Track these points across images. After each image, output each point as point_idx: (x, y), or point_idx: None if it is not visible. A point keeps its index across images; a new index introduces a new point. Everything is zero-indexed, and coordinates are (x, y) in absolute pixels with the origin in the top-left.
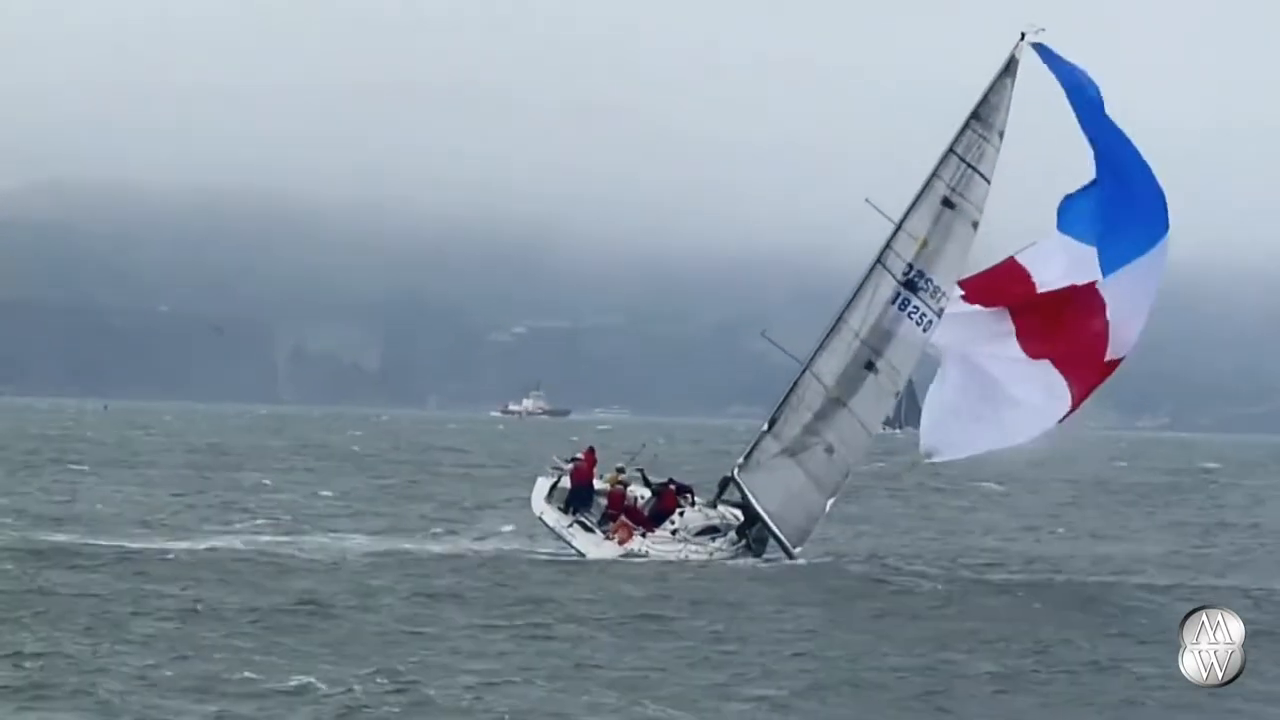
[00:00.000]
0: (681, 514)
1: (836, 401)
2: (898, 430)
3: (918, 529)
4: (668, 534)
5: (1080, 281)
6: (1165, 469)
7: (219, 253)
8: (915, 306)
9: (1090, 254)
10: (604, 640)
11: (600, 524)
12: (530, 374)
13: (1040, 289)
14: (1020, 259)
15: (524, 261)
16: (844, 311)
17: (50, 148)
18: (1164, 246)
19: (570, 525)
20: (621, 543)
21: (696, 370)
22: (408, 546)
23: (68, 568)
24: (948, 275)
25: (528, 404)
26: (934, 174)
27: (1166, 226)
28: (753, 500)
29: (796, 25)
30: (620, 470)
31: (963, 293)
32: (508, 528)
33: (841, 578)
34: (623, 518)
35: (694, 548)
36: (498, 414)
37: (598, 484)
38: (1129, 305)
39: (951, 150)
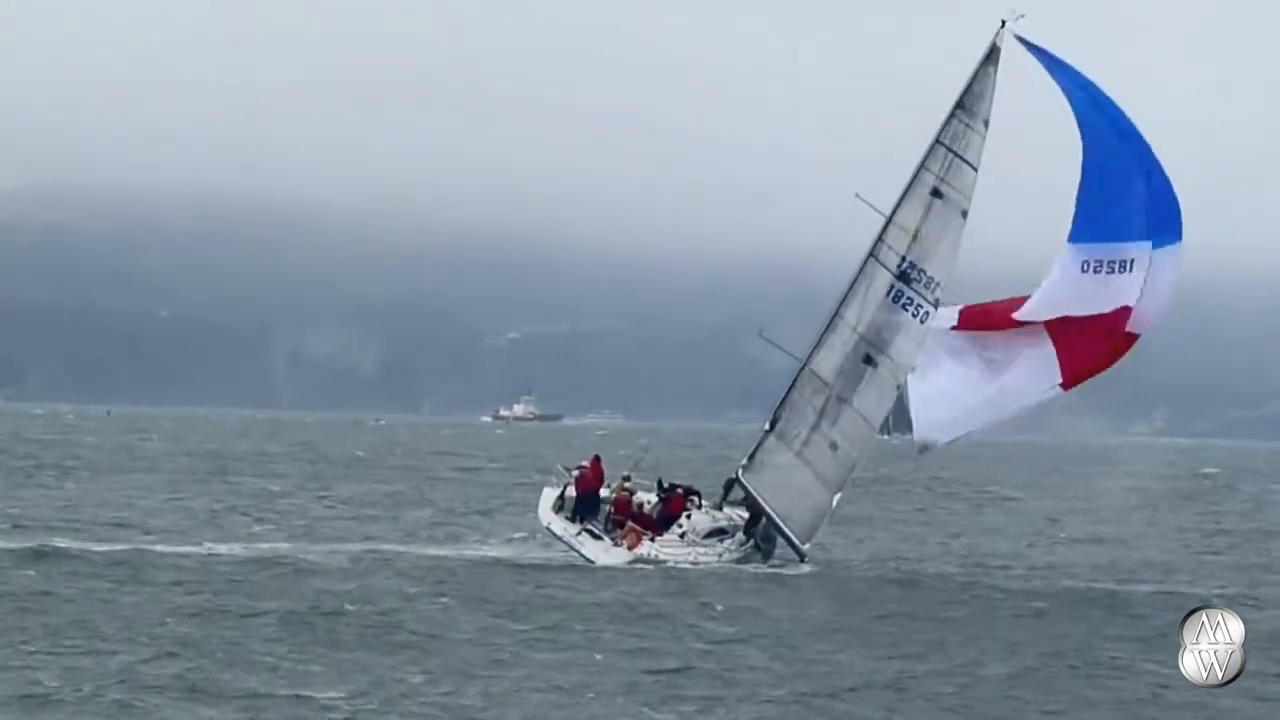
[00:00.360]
0: (689, 517)
1: (838, 398)
2: (887, 435)
3: (933, 533)
4: (676, 537)
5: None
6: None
7: (218, 256)
8: (910, 298)
9: (1122, 248)
10: (618, 643)
11: (607, 530)
12: (527, 378)
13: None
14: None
15: (522, 265)
16: (839, 307)
17: (49, 149)
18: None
19: (579, 533)
20: (631, 548)
21: (693, 374)
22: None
23: (71, 573)
24: (940, 266)
25: (518, 409)
26: (922, 165)
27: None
28: (760, 500)
29: (794, 24)
30: (626, 478)
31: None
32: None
33: (852, 581)
34: (630, 523)
35: (702, 550)
36: (489, 419)
37: (604, 491)
38: (1161, 284)
39: (938, 140)
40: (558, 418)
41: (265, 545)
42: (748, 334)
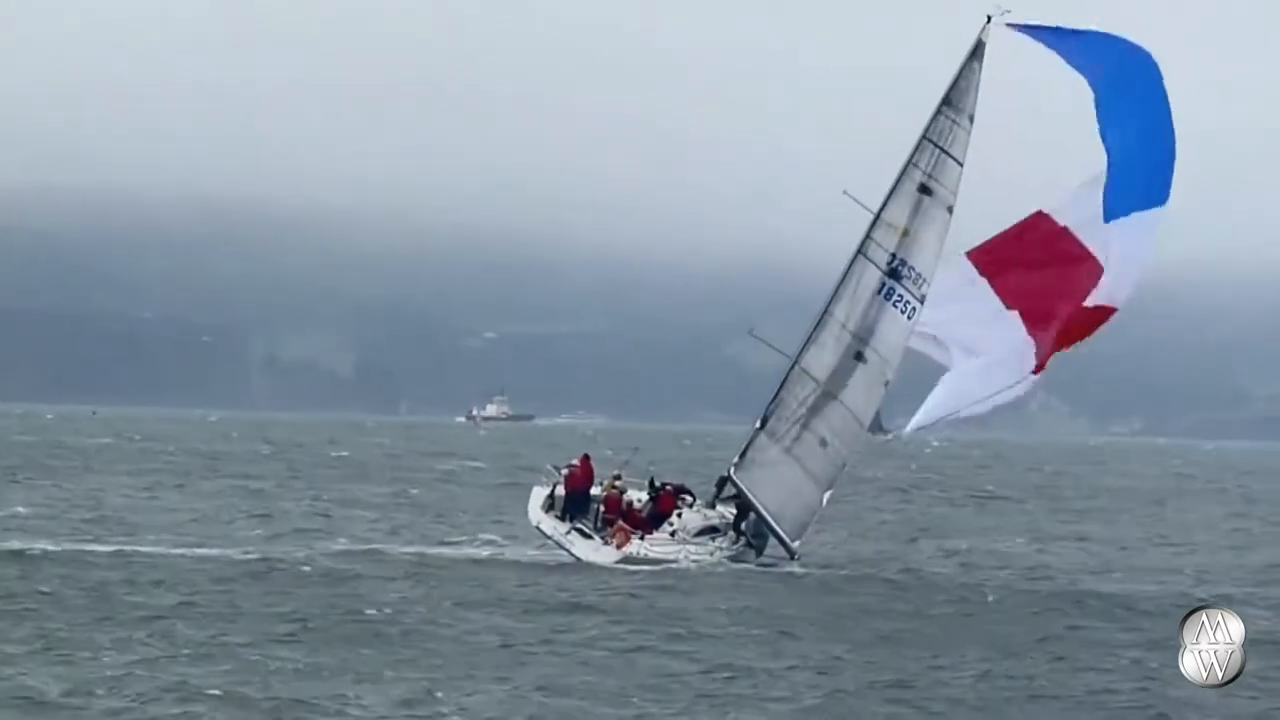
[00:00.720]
0: (679, 515)
1: (827, 394)
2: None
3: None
4: (666, 536)
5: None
6: None
7: (197, 258)
8: (900, 295)
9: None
10: (623, 644)
11: (598, 529)
12: (505, 379)
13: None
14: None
15: (500, 267)
16: (829, 304)
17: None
18: (1159, 214)
19: (568, 532)
20: (619, 546)
21: (672, 375)
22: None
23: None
24: (927, 261)
25: (491, 409)
26: (910, 161)
27: (1167, 195)
28: (751, 497)
29: (793, 24)
30: (617, 477)
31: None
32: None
33: (847, 583)
34: (620, 522)
35: (693, 548)
36: (463, 420)
37: (595, 490)
38: (1127, 256)
39: (925, 136)
40: (530, 418)
41: (255, 546)
42: (727, 335)
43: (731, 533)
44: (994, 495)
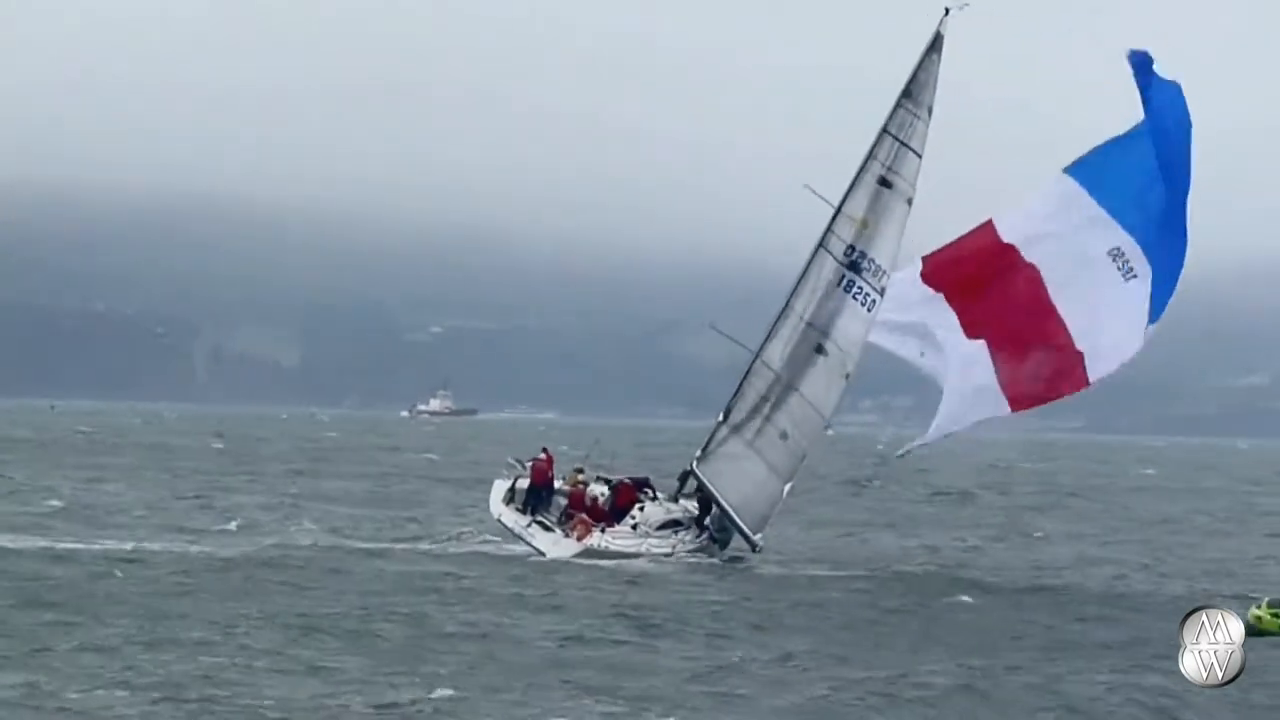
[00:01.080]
0: (642, 509)
1: (788, 387)
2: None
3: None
4: (628, 529)
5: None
6: None
7: (147, 253)
8: (860, 287)
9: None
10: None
11: (561, 523)
12: (451, 373)
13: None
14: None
15: (446, 261)
16: (790, 298)
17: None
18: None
19: (529, 525)
20: (580, 539)
21: (620, 370)
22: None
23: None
24: (887, 254)
25: (434, 404)
26: (870, 154)
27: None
28: (714, 491)
29: (734, 21)
30: (579, 470)
31: (921, 269)
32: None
33: (825, 581)
34: (581, 515)
35: (655, 541)
36: (406, 414)
37: (558, 484)
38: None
39: (885, 130)
40: (473, 412)
41: (240, 541)
42: (676, 332)
43: (695, 527)
44: (949, 491)
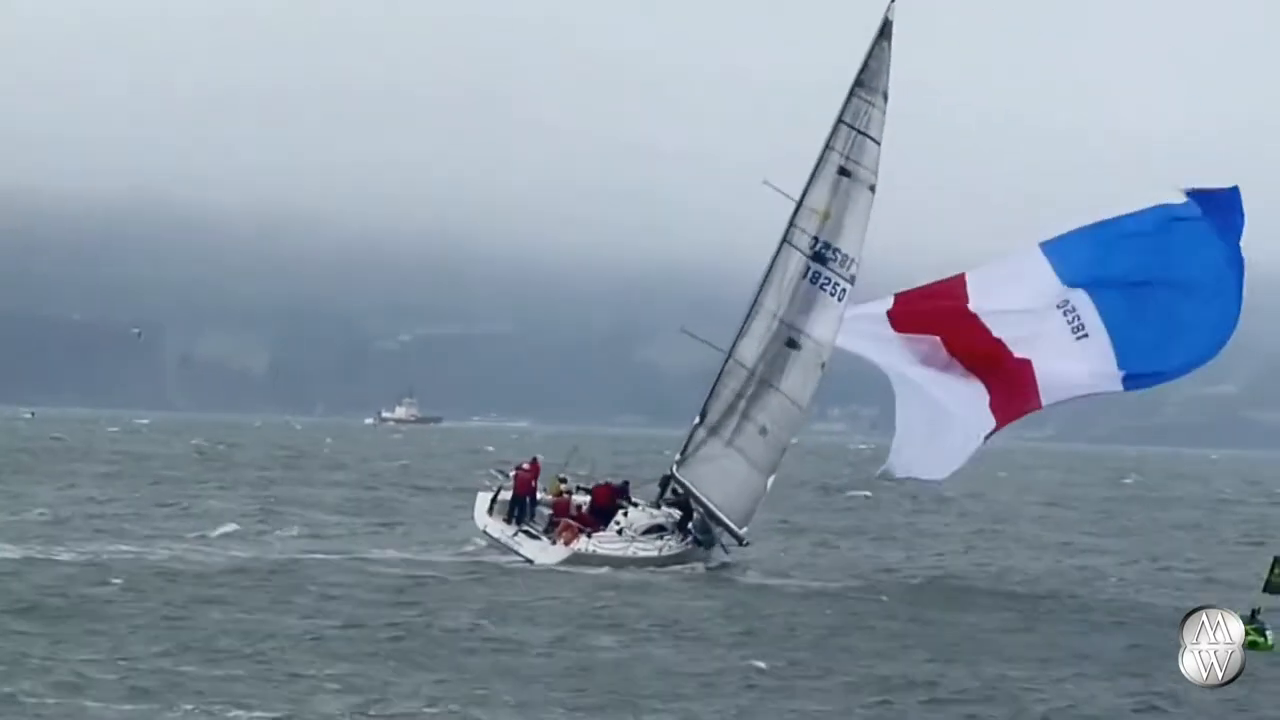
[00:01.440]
0: (625, 513)
1: (764, 383)
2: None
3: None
4: (614, 533)
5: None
6: None
7: (108, 259)
8: (827, 278)
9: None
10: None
11: (546, 532)
12: (420, 381)
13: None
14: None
15: (414, 268)
16: (759, 295)
17: None
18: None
19: (515, 534)
20: (567, 543)
21: (585, 378)
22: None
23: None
24: (853, 242)
25: (400, 411)
26: (827, 145)
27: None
28: (696, 493)
29: (688, 27)
30: (562, 480)
31: (891, 305)
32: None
33: (840, 595)
34: (566, 519)
35: (641, 545)
36: (370, 421)
37: (541, 495)
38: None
39: (841, 120)
40: (438, 420)
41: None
42: (640, 339)
43: (679, 532)
44: (931, 499)
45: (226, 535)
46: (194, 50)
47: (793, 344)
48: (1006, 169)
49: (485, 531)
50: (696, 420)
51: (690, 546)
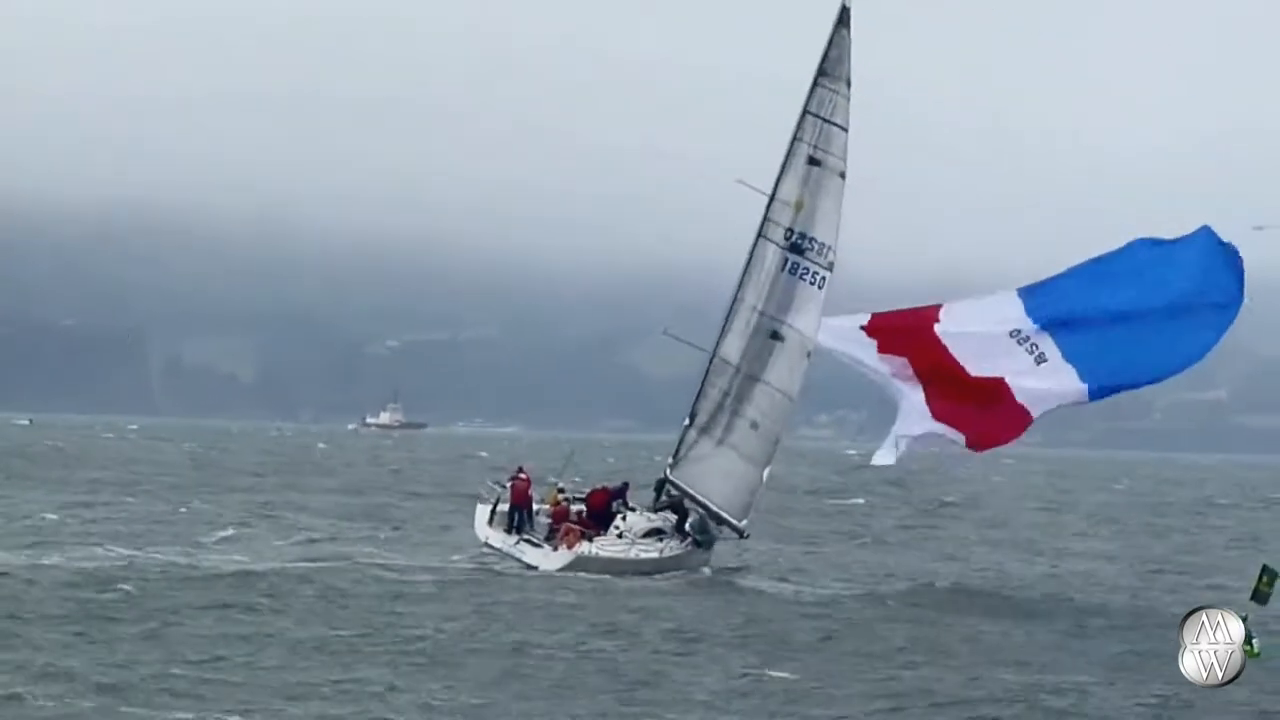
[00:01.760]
0: (624, 518)
1: (750, 378)
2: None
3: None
4: (615, 537)
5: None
6: None
7: (95, 263)
8: (806, 268)
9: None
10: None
11: (547, 539)
12: (407, 386)
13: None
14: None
15: (402, 274)
16: (739, 291)
17: None
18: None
19: (517, 543)
20: (570, 547)
21: (571, 383)
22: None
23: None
24: (828, 230)
25: (385, 417)
26: (795, 136)
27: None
28: (693, 493)
29: (662, 28)
30: (560, 490)
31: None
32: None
33: (837, 601)
34: (567, 524)
35: (642, 548)
36: (354, 427)
37: (537, 505)
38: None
39: (806, 110)
40: (422, 425)
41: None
42: (625, 344)
43: (677, 534)
44: (926, 506)
45: (225, 540)
46: (183, 55)
47: (776, 335)
48: (998, 173)
49: (487, 543)
50: (686, 422)
51: (690, 548)
